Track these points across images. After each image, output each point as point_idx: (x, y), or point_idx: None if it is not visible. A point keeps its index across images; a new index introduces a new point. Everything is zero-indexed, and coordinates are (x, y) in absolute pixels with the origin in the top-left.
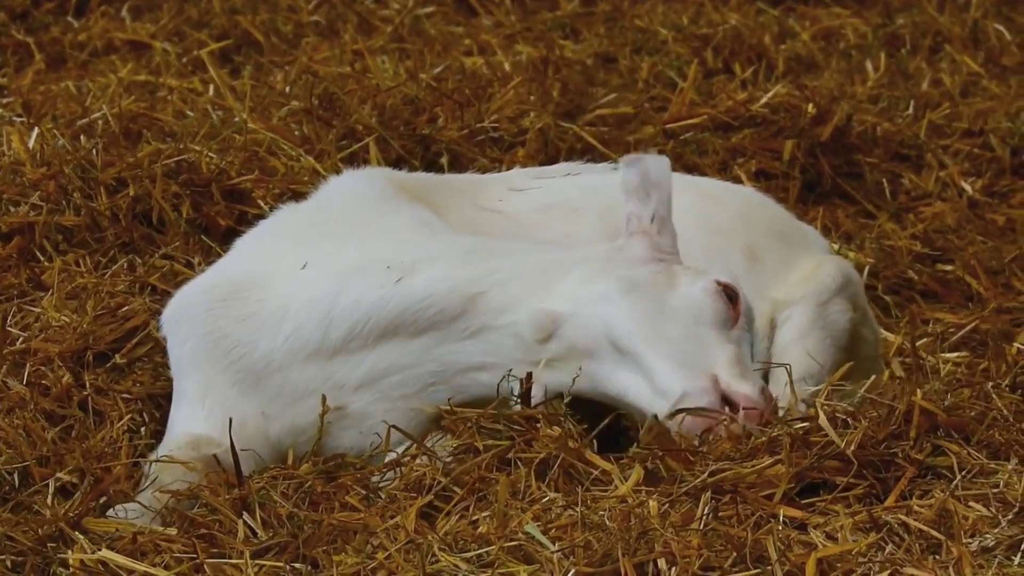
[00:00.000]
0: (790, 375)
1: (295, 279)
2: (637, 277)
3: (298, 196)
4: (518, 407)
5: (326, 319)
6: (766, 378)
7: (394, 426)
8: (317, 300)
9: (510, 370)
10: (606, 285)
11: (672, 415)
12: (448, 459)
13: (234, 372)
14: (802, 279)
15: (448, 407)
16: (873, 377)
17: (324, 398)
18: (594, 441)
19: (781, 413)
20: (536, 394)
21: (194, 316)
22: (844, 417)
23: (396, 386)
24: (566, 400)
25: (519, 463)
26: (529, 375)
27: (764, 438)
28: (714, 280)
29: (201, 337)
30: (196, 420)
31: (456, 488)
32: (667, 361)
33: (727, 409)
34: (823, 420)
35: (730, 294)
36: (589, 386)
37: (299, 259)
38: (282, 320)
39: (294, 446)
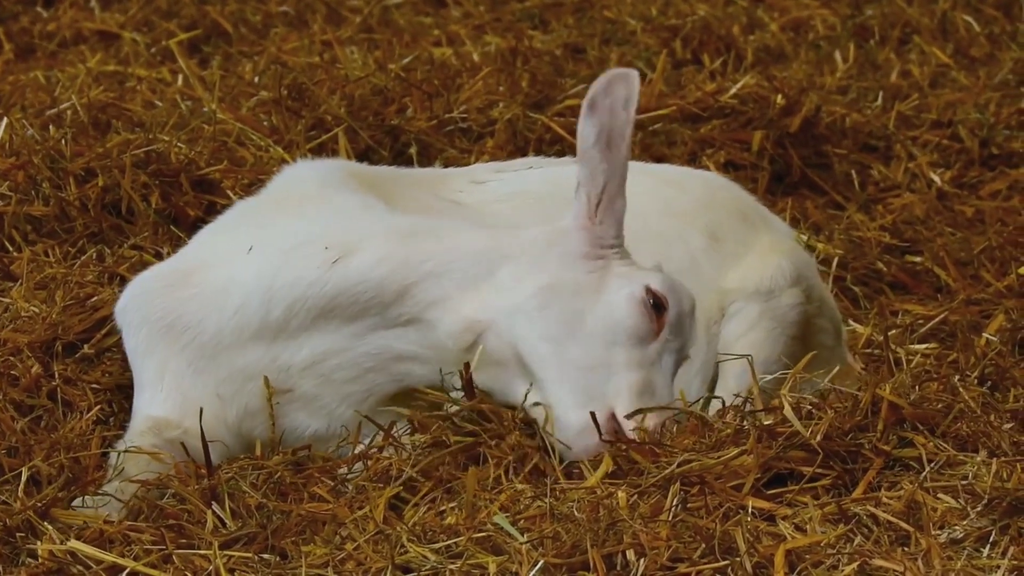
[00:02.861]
0: (752, 366)
1: (242, 261)
2: (560, 285)
3: None
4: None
5: (267, 297)
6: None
7: (366, 416)
8: (259, 278)
9: (440, 369)
10: (526, 296)
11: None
12: (416, 450)
13: (188, 354)
14: (756, 264)
15: (420, 388)
16: (838, 367)
17: (267, 380)
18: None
19: (741, 403)
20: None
21: (146, 303)
22: (809, 408)
23: (336, 370)
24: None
25: (487, 458)
26: (467, 365)
27: (729, 430)
28: (644, 287)
29: (154, 322)
30: (154, 404)
31: (423, 479)
32: (567, 391)
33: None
34: (788, 411)
35: (658, 303)
36: (503, 394)
37: (246, 243)
38: (228, 298)
39: (252, 430)
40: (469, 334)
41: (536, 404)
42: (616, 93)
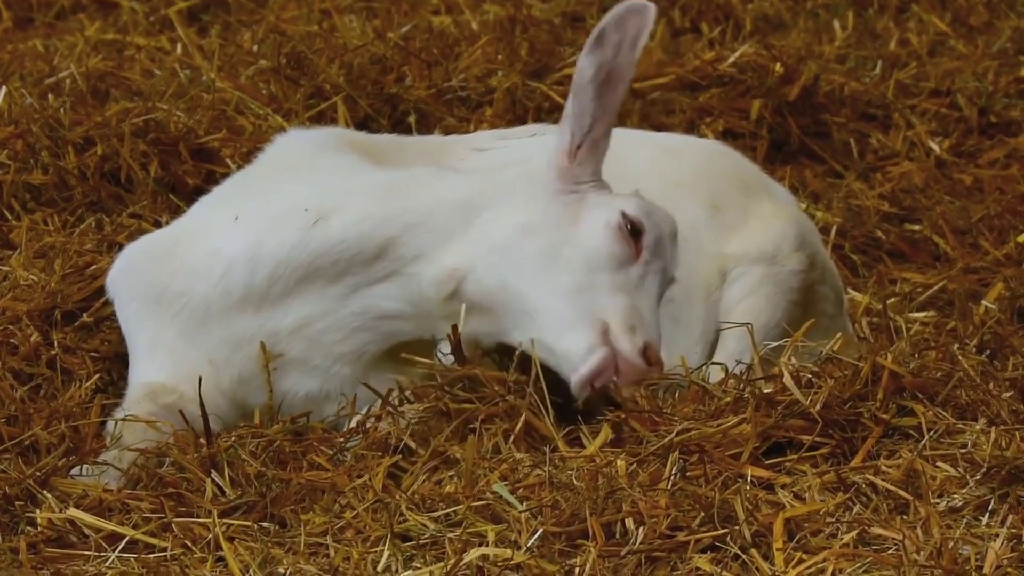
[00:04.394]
0: (751, 334)
1: (228, 229)
2: (537, 221)
3: None
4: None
5: (251, 263)
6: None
7: (366, 384)
8: (244, 245)
9: (427, 331)
10: (504, 236)
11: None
12: (413, 419)
13: (179, 322)
14: (759, 230)
15: (411, 357)
16: (845, 335)
17: (263, 345)
18: (549, 407)
19: (741, 372)
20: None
21: (136, 274)
22: (809, 376)
23: (323, 332)
24: (516, 356)
25: (483, 430)
26: (455, 327)
27: (728, 398)
28: (619, 212)
29: (144, 292)
30: (149, 371)
31: (421, 451)
32: (558, 317)
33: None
34: (787, 379)
35: (635, 227)
36: (495, 339)
37: (234, 213)
38: (215, 266)
39: (246, 397)
40: (451, 282)
41: (531, 340)
42: (628, 29)
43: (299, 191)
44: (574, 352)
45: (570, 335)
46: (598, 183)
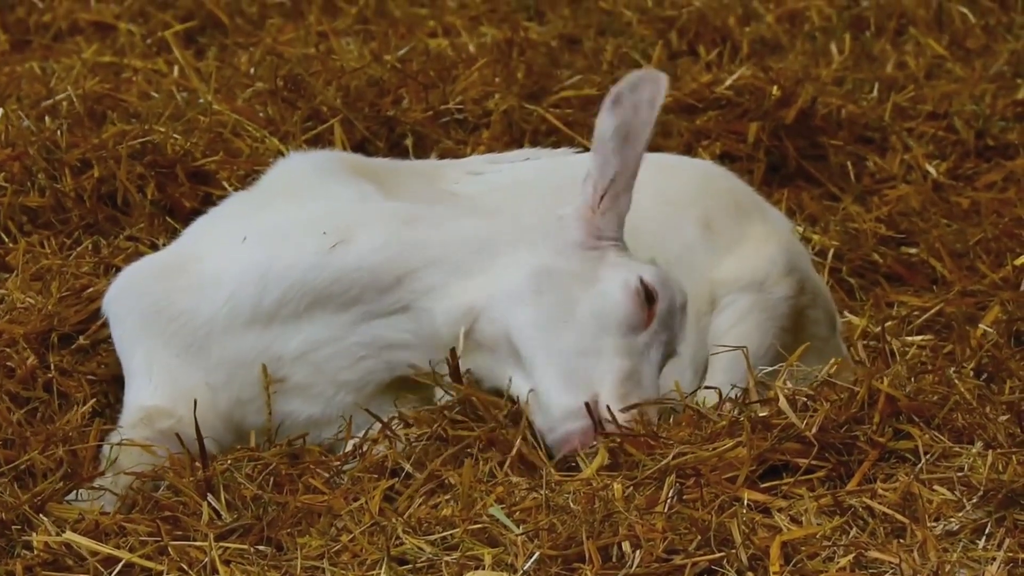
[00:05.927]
0: (747, 358)
1: (235, 250)
2: (556, 271)
3: None
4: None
5: (261, 283)
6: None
7: (366, 409)
8: (253, 265)
9: (431, 360)
10: (521, 280)
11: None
12: (411, 443)
13: (177, 341)
14: (749, 255)
15: (406, 395)
16: (840, 359)
17: (264, 368)
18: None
19: (737, 395)
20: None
21: (135, 293)
22: (804, 400)
23: (329, 359)
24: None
25: (479, 455)
26: (453, 351)
27: (724, 422)
28: (638, 277)
29: (143, 311)
30: (145, 394)
31: (418, 474)
32: (554, 375)
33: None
34: (783, 403)
35: (649, 295)
36: (491, 380)
37: (239, 233)
38: (221, 286)
39: (244, 418)
40: (466, 320)
41: (529, 391)
42: (642, 92)
43: (310, 213)
44: (558, 412)
45: (558, 396)
46: (619, 244)
